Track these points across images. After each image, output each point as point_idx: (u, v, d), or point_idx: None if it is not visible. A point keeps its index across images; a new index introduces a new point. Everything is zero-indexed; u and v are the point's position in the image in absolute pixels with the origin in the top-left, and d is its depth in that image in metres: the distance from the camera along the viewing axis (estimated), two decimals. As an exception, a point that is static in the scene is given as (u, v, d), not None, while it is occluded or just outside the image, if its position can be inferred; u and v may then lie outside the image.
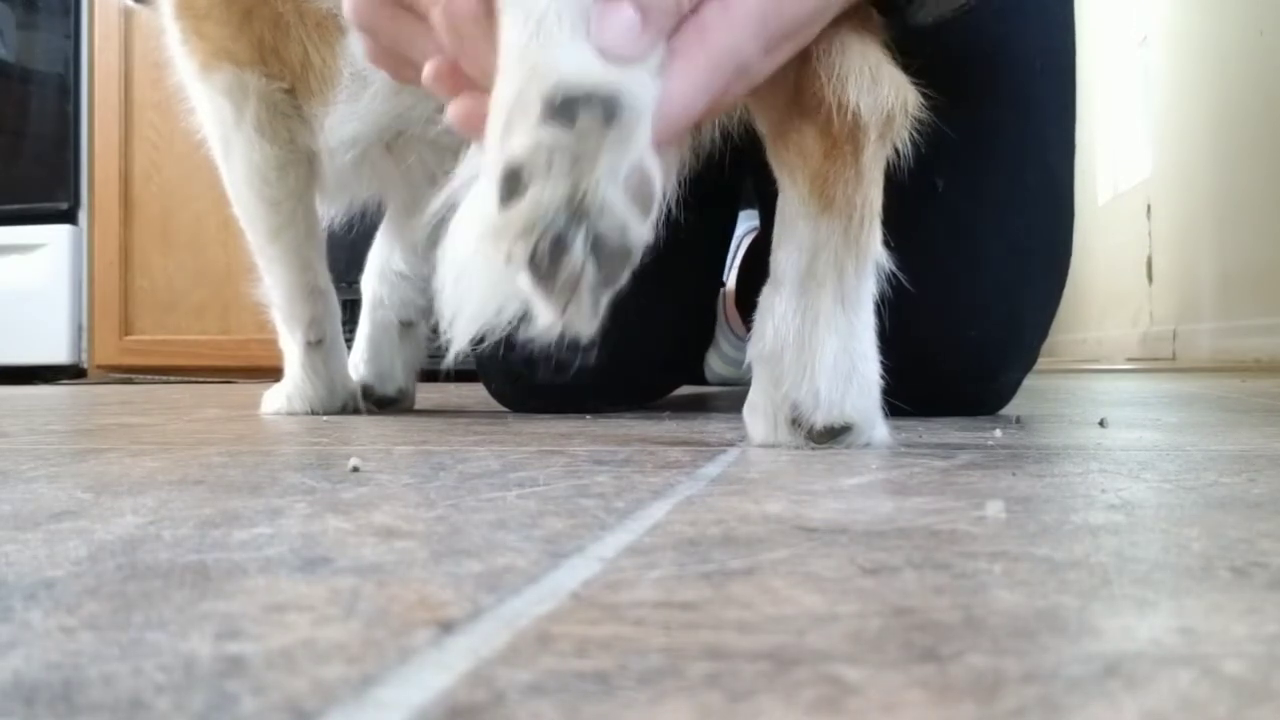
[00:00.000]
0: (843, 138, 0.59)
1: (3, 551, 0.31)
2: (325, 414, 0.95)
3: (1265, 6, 2.76)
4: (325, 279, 0.97)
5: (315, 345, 0.96)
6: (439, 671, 0.20)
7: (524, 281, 0.44)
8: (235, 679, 0.19)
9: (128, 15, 2.44)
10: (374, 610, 0.24)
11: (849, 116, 0.59)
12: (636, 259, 0.44)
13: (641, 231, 0.44)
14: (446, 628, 0.23)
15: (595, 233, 0.43)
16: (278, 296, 0.96)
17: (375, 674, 0.20)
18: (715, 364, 1.39)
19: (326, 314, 0.96)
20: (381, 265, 1.04)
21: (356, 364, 1.04)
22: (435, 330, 1.06)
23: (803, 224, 0.60)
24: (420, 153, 0.90)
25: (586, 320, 0.44)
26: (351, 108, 0.85)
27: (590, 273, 0.43)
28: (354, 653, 0.21)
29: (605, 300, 0.45)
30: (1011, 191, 0.86)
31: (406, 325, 1.04)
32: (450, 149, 0.79)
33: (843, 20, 0.59)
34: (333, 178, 0.92)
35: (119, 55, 2.48)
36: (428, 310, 1.05)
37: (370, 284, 1.05)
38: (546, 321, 0.45)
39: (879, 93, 0.59)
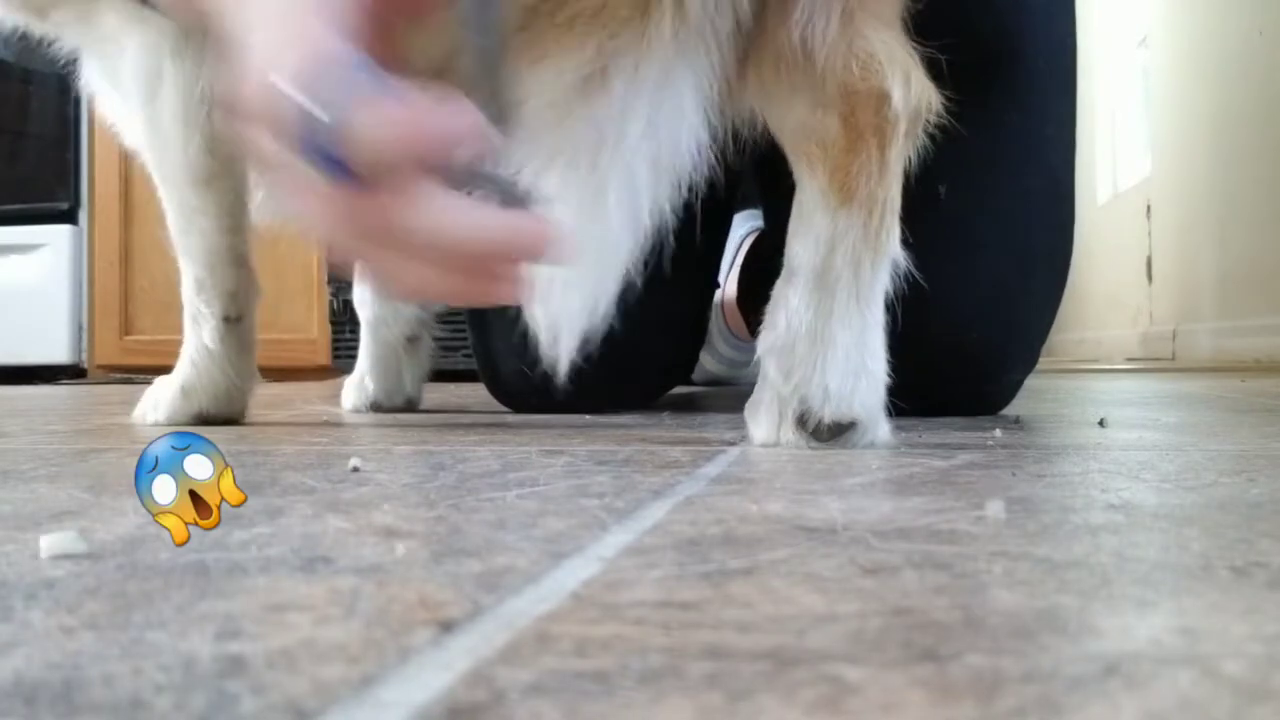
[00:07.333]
0: (869, 130, 0.59)
1: (3, 551, 0.31)
2: (224, 415, 0.82)
3: (1265, 6, 2.76)
4: (250, 250, 0.84)
5: (235, 323, 0.82)
6: (439, 671, 0.20)
7: None
8: (235, 679, 0.19)
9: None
10: (374, 610, 0.24)
11: (882, 108, 0.58)
12: None
13: None
14: (446, 628, 0.23)
15: None
16: (196, 263, 0.82)
17: (375, 674, 0.20)
18: (707, 363, 1.39)
19: (251, 289, 0.83)
20: None
21: (364, 380, 1.02)
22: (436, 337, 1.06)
23: (821, 216, 0.60)
24: None
25: None
26: None
27: None
28: (354, 653, 0.21)
29: None
30: (1013, 192, 0.86)
31: (412, 340, 1.03)
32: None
33: (871, 6, 0.58)
34: None
35: (119, 55, 2.47)
36: (429, 321, 1.03)
37: (368, 303, 1.02)
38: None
39: (912, 87, 0.59)
